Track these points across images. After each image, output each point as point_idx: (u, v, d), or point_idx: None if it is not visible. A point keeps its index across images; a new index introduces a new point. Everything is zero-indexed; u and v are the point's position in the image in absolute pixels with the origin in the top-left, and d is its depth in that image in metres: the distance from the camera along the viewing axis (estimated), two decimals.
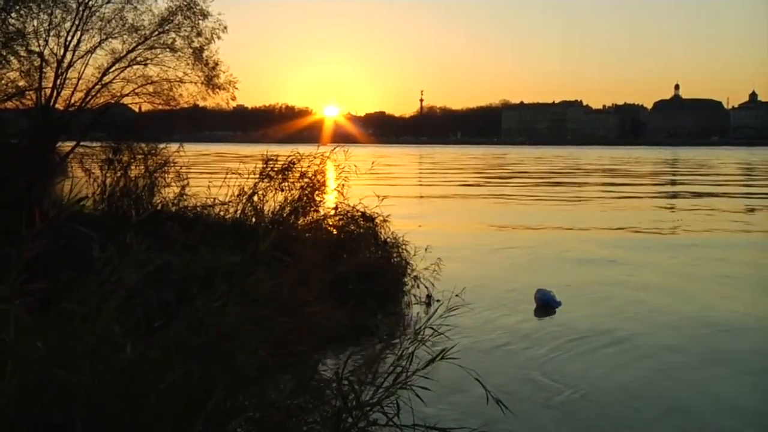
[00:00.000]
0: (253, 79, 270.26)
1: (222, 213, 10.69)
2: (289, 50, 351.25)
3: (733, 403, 6.53)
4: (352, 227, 10.45)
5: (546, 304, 9.94)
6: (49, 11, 12.30)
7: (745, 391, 6.88)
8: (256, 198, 10.54)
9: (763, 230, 19.53)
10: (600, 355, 7.85)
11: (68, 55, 12.51)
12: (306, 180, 10.48)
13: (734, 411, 6.35)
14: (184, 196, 11.26)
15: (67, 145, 13.21)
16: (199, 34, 12.98)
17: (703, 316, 9.60)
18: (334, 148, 10.87)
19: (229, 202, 10.66)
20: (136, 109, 14.54)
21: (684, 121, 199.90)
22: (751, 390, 6.95)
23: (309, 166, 10.63)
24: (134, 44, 12.84)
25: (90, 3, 12.55)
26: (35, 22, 12.30)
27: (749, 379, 7.23)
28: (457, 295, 7.96)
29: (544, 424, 5.96)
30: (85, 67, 12.77)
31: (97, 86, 12.76)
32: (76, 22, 12.47)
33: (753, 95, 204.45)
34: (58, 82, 12.47)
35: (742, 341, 8.48)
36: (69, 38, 12.48)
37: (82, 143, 12.90)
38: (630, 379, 7.09)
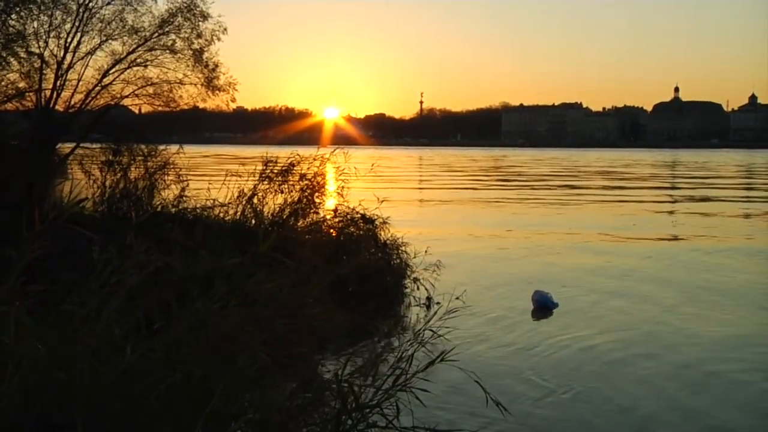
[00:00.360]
0: (253, 81, 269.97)
1: (222, 215, 10.68)
2: (289, 51, 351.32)
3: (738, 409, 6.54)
4: (352, 229, 10.46)
5: (543, 306, 9.96)
6: (49, 13, 12.28)
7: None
8: (255, 200, 10.54)
9: (761, 236, 19.49)
10: (598, 355, 7.85)
11: (68, 57, 12.50)
12: (306, 182, 10.48)
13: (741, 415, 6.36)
14: (184, 198, 11.25)
15: (67, 147, 13.19)
16: (199, 36, 12.97)
17: (701, 318, 9.61)
18: (334, 150, 10.87)
19: (229, 203, 10.65)
20: (136, 111, 14.55)
21: (684, 124, 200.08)
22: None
23: (309, 168, 10.64)
24: (134, 46, 12.82)
25: (90, 4, 12.54)
26: (35, 24, 12.29)
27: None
28: (457, 298, 7.99)
29: (543, 424, 5.95)
30: (85, 68, 12.76)
31: (97, 88, 12.74)
32: (76, 24, 12.45)
33: (753, 98, 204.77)
34: (58, 83, 12.45)
35: (742, 349, 8.44)
36: (69, 40, 12.46)
37: (82, 145, 12.87)
38: (628, 379, 7.09)
